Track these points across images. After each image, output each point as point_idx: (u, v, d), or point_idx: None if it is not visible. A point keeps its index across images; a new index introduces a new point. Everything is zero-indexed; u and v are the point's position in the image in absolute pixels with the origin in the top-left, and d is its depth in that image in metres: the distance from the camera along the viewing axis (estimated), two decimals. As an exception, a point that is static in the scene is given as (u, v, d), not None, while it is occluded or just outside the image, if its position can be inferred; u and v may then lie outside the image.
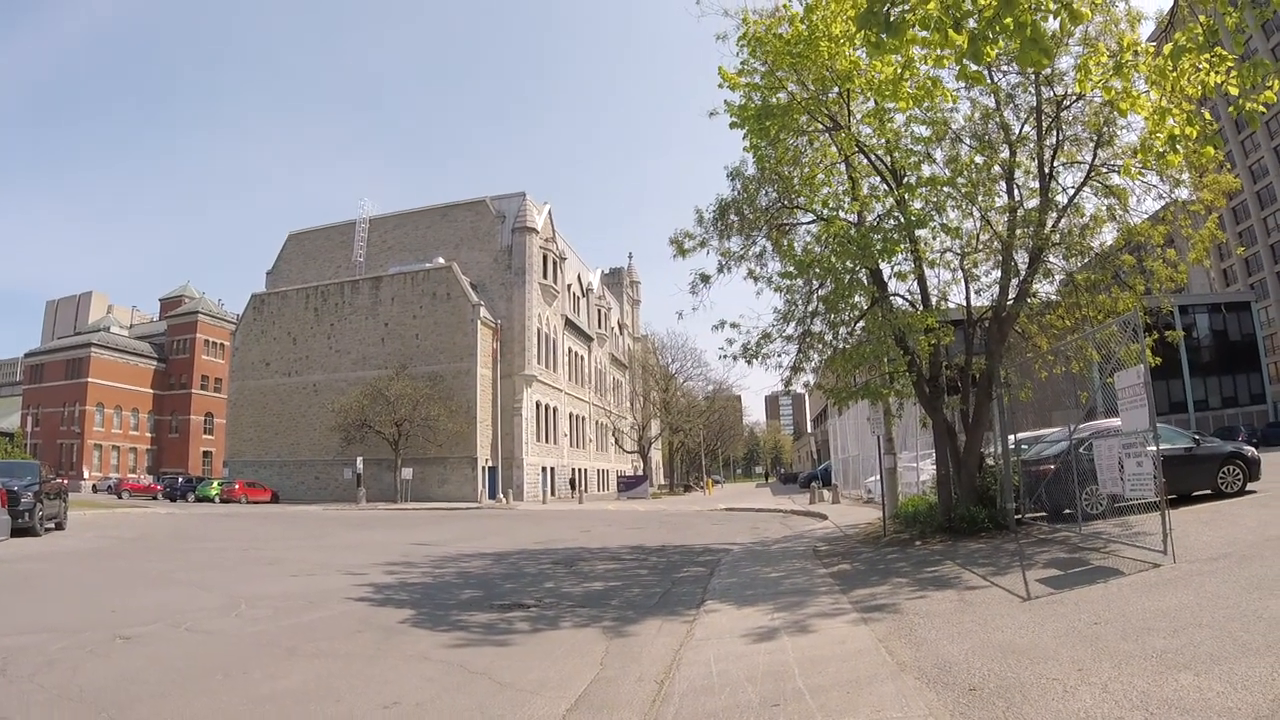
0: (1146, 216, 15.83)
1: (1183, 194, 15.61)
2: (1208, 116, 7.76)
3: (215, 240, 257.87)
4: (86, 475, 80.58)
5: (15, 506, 19.45)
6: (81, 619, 9.63)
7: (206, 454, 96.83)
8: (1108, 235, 15.85)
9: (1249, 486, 15.17)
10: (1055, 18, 5.34)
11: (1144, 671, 5.44)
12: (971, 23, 5.06)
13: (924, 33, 5.16)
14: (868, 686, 5.89)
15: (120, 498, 58.87)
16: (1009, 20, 4.78)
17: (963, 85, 14.37)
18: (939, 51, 6.20)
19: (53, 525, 23.43)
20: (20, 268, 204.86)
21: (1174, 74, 6.89)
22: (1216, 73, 6.81)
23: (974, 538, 13.73)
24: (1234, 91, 6.85)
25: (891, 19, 4.88)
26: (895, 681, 5.92)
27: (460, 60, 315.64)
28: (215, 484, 56.82)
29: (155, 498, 59.95)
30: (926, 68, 8.31)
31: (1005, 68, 14.71)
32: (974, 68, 5.49)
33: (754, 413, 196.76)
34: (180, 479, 65.81)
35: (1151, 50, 7.17)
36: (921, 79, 8.42)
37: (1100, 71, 7.73)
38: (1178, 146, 7.67)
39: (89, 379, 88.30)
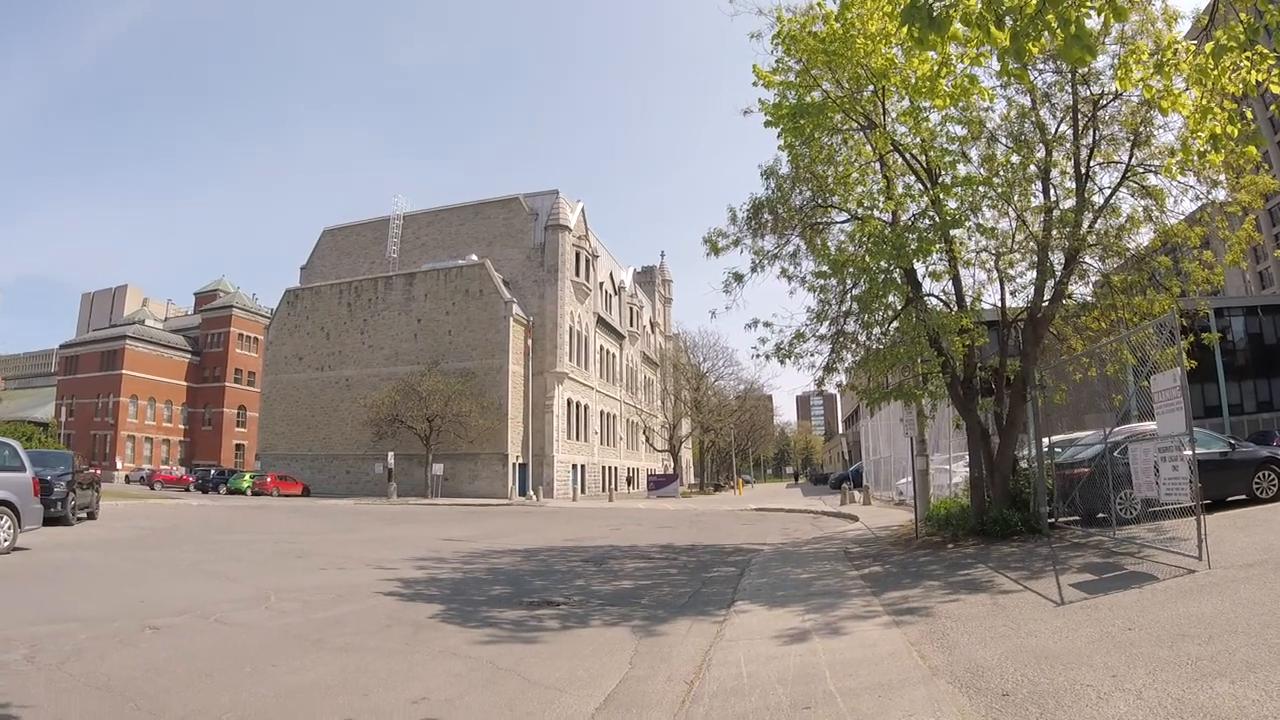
0: (1183, 218, 15.64)
1: (1220, 195, 15.42)
2: (1250, 115, 7.64)
3: (250, 235, 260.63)
4: (119, 466, 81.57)
5: (48, 496, 19.59)
6: (111, 608, 9.76)
7: (239, 447, 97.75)
8: (1144, 236, 15.69)
9: (1284, 491, 14.93)
10: (1099, 14, 5.27)
11: (1179, 679, 5.38)
12: (1009, 20, 5.02)
13: (965, 29, 5.13)
14: (900, 690, 5.85)
15: (152, 489, 59.43)
16: (1051, 17, 4.74)
17: (999, 84, 14.31)
18: (978, 49, 6.14)
19: (85, 515, 23.89)
20: (56, 260, 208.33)
21: (1215, 72, 6.78)
22: (1258, 71, 6.72)
23: (1007, 541, 13.60)
24: (1276, 90, 6.74)
25: (935, 14, 4.85)
26: (927, 686, 5.88)
27: (494, 59, 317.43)
28: (247, 477, 57.37)
29: (187, 489, 60.65)
30: (964, 66, 8.24)
31: (1041, 66, 14.58)
32: (1015, 65, 5.42)
33: (785, 413, 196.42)
34: (212, 471, 66.57)
35: (1193, 49, 7.06)
36: (959, 77, 8.36)
37: (1141, 70, 7.63)
38: (1219, 146, 7.56)
39: (123, 371, 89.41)
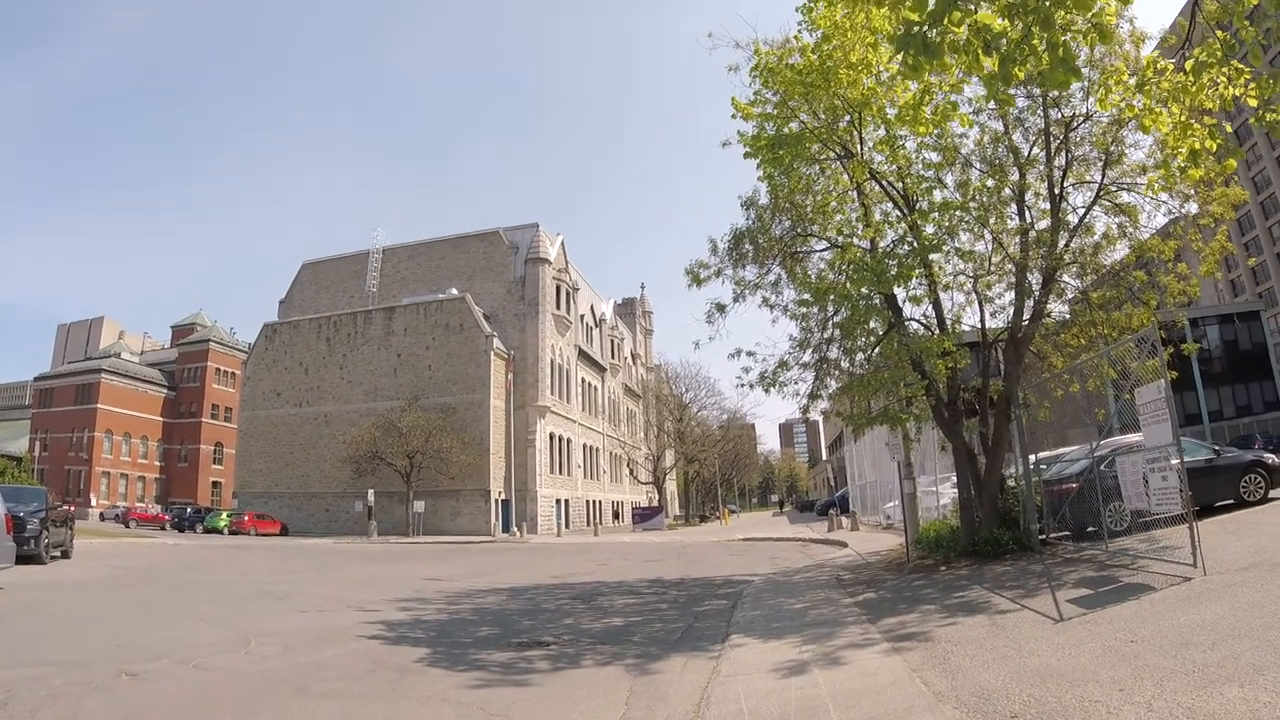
0: (1155, 232, 15.85)
1: (1192, 208, 15.62)
2: (1229, 129, 7.72)
3: (228, 268, 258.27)
4: (94, 503, 80.00)
5: (21, 533, 19.03)
6: (86, 652, 9.46)
7: (215, 484, 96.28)
8: (1119, 253, 15.88)
9: (1271, 494, 15.13)
10: (1085, 38, 5.33)
11: (1187, 687, 5.33)
12: (998, 45, 5.06)
13: (953, 56, 5.15)
14: (906, 719, 5.73)
15: (128, 527, 58.58)
16: (1037, 41, 4.78)
17: (971, 110, 14.47)
18: (958, 75, 6.15)
19: (59, 553, 23.30)
20: (32, 289, 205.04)
21: (1194, 89, 6.85)
22: (1234, 86, 6.79)
23: (999, 560, 13.59)
24: (1253, 103, 6.81)
25: (928, 41, 4.88)
26: (933, 713, 5.77)
27: (474, 92, 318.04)
28: (224, 515, 56.60)
29: (163, 528, 59.66)
30: (943, 95, 8.31)
31: (1012, 91, 14.75)
32: (1003, 90, 5.47)
33: (768, 441, 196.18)
34: (189, 509, 65.59)
35: (1171, 67, 7.13)
36: (941, 104, 8.42)
37: (1122, 90, 7.71)
38: (1199, 161, 7.62)
39: (98, 405, 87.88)
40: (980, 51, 5.00)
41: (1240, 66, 6.75)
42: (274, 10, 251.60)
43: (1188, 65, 6.63)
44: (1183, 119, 7.33)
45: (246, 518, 54.67)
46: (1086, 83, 13.69)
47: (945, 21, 4.92)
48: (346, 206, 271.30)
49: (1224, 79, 6.78)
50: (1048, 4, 4.82)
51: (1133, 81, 7.48)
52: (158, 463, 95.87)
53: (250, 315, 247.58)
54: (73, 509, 30.43)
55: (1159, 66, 7.06)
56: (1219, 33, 6.77)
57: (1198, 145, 7.39)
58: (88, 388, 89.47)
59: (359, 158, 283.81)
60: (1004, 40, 5.02)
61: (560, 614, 13.27)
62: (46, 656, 9.11)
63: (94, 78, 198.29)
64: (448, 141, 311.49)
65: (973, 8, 4.99)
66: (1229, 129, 7.81)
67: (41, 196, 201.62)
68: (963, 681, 6.48)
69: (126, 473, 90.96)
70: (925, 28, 4.92)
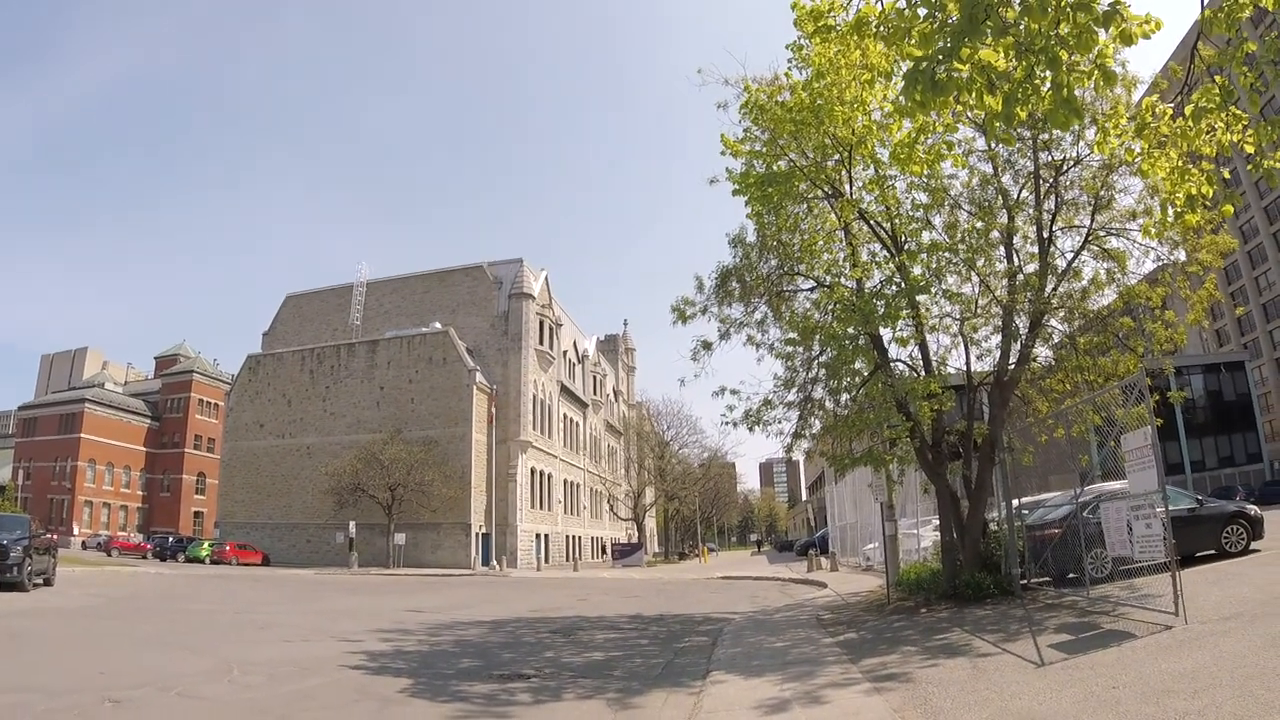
0: (1143, 278, 15.94)
1: (1180, 256, 15.73)
2: (1227, 175, 7.84)
3: (212, 300, 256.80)
4: (76, 532, 79.25)
5: (4, 560, 19.38)
6: (69, 680, 9.36)
7: (197, 514, 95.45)
8: (1106, 298, 15.94)
9: (1253, 545, 15.21)
10: (1089, 79, 5.44)
11: (1169, 735, 5.31)
12: (1002, 84, 5.16)
13: (955, 94, 5.24)
14: (887, 759, 5.72)
15: (110, 555, 57.95)
16: (1039, 81, 4.88)
17: (961, 151, 14.59)
18: (951, 114, 6.25)
19: (41, 581, 23.08)
20: (15, 319, 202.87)
21: (1193, 134, 6.97)
22: (1232, 131, 6.90)
23: (980, 604, 13.56)
24: (1250, 150, 6.92)
25: (936, 78, 4.97)
26: (915, 753, 5.75)
27: (460, 127, 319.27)
28: (206, 545, 56.21)
29: (145, 557, 59.09)
30: (939, 135, 8.42)
31: (1003, 133, 14.91)
32: (1004, 129, 5.57)
33: (749, 480, 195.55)
34: (171, 539, 65.10)
35: (1169, 112, 7.27)
36: (936, 143, 8.52)
37: (1120, 135, 7.84)
38: (1196, 206, 7.73)
39: (82, 435, 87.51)
40: (984, 90, 5.10)
41: (1238, 113, 6.85)
42: (259, 44, 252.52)
43: (1187, 110, 6.75)
44: (1180, 164, 7.45)
45: (228, 547, 54.23)
46: (1078, 126, 13.82)
47: (952, 59, 5.02)
48: (331, 239, 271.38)
49: (1222, 124, 6.89)
50: (1053, 44, 4.93)
51: (1131, 126, 7.60)
52: (140, 492, 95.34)
53: (233, 347, 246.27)
54: (55, 537, 30.14)
55: (1158, 111, 7.18)
56: (1217, 78, 6.90)
57: (1194, 190, 7.49)
58: (71, 417, 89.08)
59: (344, 191, 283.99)
60: (1007, 79, 5.12)
61: (541, 647, 13.19)
62: (30, 683, 9.01)
63: (78, 112, 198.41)
64: (433, 175, 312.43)
65: (980, 44, 5.10)
66: (1226, 175, 7.93)
67: (26, 226, 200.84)
68: (944, 722, 6.48)
69: (109, 502, 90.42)
70: (934, 64, 5.02)
